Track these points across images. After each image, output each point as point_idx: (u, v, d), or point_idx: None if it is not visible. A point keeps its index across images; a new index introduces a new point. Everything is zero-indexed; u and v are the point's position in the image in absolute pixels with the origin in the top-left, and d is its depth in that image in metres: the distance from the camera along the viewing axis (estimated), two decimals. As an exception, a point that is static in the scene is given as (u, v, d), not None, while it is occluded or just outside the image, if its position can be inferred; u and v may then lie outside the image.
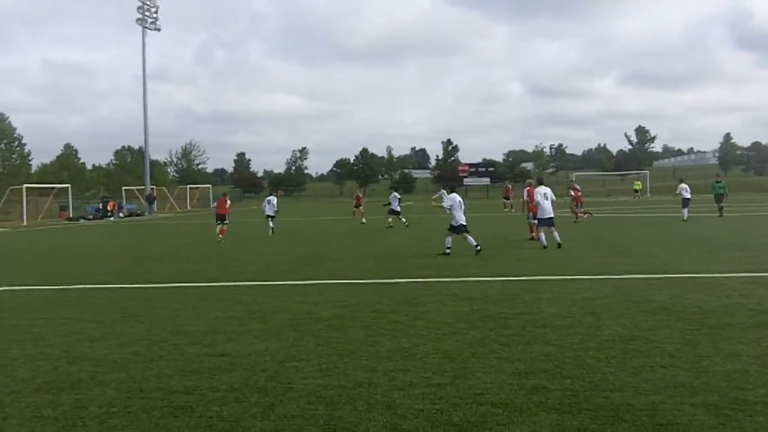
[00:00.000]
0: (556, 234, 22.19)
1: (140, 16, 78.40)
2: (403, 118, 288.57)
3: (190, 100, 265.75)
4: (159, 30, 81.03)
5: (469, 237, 21.01)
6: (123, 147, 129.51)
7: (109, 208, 65.69)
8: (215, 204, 35.40)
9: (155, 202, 77.01)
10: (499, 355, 8.23)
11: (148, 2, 79.01)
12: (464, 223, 21.21)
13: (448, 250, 20.79)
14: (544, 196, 22.69)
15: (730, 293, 12.32)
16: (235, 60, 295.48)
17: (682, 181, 38.31)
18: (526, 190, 25.84)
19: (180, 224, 49.07)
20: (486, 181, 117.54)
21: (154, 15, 79.97)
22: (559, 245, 21.69)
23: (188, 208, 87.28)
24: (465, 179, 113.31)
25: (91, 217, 63.87)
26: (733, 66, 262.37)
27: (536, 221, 23.28)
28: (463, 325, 10.11)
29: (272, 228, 33.61)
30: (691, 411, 6.09)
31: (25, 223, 56.40)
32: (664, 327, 9.60)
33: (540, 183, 23.96)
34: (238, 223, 41.47)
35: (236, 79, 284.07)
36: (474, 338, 9.21)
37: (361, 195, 46.12)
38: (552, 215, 22.38)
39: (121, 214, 66.91)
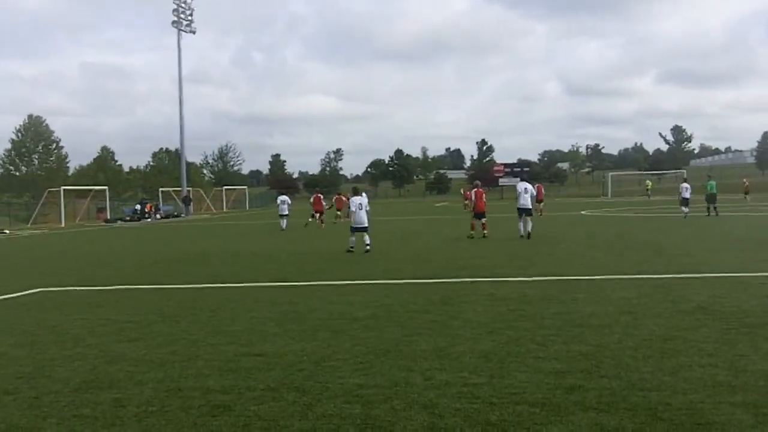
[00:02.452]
0: (530, 225, 26.54)
1: (175, 18, 79.08)
2: (439, 119, 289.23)
3: (227, 102, 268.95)
4: (194, 33, 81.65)
5: (366, 236, 23.11)
6: (160, 149, 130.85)
7: (146, 210, 66.36)
8: (312, 200, 41.56)
9: (191, 203, 77.59)
10: (535, 355, 8.20)
11: (183, 5, 79.65)
12: (365, 225, 23.28)
13: (351, 248, 23.10)
14: (524, 190, 27.36)
15: (769, 292, 12.18)
16: (272, 62, 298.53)
17: (685, 180, 40.83)
18: (473, 191, 28.33)
19: (216, 226, 49.35)
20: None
21: (190, 17, 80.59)
22: (529, 235, 25.93)
23: (224, 209, 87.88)
24: (500, 179, 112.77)
25: (128, 218, 64.50)
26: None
27: (476, 219, 27.65)
28: (499, 324, 10.08)
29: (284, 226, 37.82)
30: (730, 410, 6.03)
31: (63, 225, 57.08)
32: (702, 326, 9.51)
33: (522, 180, 29.14)
34: (272, 224, 41.65)
35: (272, 81, 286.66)
36: (510, 338, 9.18)
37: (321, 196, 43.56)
38: (529, 206, 27.09)
39: (157, 216, 67.49)
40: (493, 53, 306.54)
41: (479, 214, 27.67)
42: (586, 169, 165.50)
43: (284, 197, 41.16)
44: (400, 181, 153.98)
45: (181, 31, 79.83)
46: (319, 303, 12.69)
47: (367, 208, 23.73)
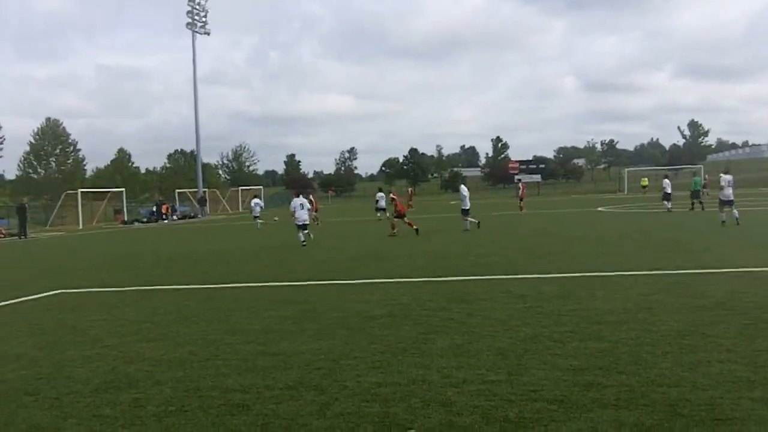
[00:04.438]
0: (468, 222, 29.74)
1: (190, 20, 79.41)
2: (454, 117, 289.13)
3: (243, 103, 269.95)
4: (209, 34, 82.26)
5: (302, 233, 26.73)
6: (175, 150, 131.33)
7: (163, 212, 66.68)
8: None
9: (207, 204, 77.82)
10: (553, 352, 8.18)
11: (197, 7, 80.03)
12: (307, 222, 27.40)
13: (304, 243, 26.36)
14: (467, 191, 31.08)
15: (788, 287, 12.11)
16: (287, 61, 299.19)
17: (666, 177, 43.95)
18: (400, 193, 32.55)
19: (232, 226, 49.52)
20: (537, 178, 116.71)
21: (204, 19, 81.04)
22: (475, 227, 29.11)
23: (240, 210, 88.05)
24: (516, 176, 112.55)
25: (145, 220, 64.89)
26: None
27: (397, 218, 30.05)
28: (516, 322, 10.07)
29: (260, 224, 42.20)
30: (750, 405, 6.00)
31: (80, 227, 57.44)
32: (721, 322, 9.46)
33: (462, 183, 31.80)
34: (288, 224, 41.78)
35: (288, 81, 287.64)
36: (527, 335, 9.17)
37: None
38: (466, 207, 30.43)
39: (174, 217, 67.81)
40: (508, 50, 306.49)
41: (401, 215, 30.12)
42: (602, 165, 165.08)
43: (257, 200, 46.43)
44: (414, 179, 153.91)
45: (195, 33, 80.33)
46: (335, 302, 12.71)
47: (308, 207, 28.15)
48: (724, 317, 9.76)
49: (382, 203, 43.91)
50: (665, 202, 40.07)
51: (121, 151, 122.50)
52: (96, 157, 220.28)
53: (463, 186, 31.59)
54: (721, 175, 28.53)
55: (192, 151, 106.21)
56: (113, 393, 7.34)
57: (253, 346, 9.22)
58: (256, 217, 44.09)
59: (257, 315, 11.68)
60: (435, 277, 15.58)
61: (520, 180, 49.45)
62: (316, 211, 43.36)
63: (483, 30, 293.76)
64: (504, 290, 13.10)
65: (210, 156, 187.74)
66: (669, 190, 40.44)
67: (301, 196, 28.85)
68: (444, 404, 6.39)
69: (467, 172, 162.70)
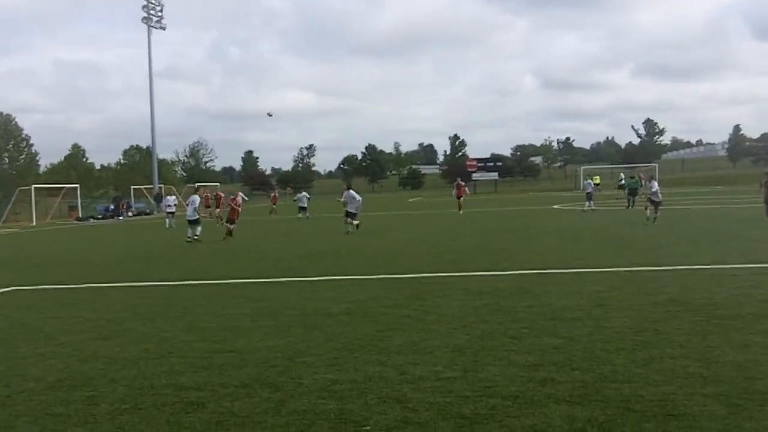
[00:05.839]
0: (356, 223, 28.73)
1: (145, 14, 78.68)
2: (414, 114, 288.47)
3: (201, 98, 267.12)
4: (164, 29, 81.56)
5: (191, 230, 28.77)
6: (131, 146, 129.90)
7: (120, 208, 66.09)
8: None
9: (163, 200, 77.11)
10: (508, 348, 8.23)
11: (153, 1, 79.26)
12: (195, 218, 29.02)
13: (189, 239, 28.57)
14: (356, 193, 29.51)
15: (739, 284, 12.29)
16: (247, 57, 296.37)
17: (589, 177, 47.92)
18: (231, 197, 32.27)
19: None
20: (494, 176, 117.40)
21: (160, 14, 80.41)
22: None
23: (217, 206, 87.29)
24: (473, 174, 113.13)
25: (100, 216, 64.14)
26: (747, 57, 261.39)
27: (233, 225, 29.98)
28: (472, 319, 10.12)
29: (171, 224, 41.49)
30: (702, 401, 6.09)
31: (34, 224, 56.63)
32: (674, 318, 9.60)
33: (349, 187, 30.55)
34: (243, 221, 41.55)
35: (247, 77, 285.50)
36: (484, 332, 9.22)
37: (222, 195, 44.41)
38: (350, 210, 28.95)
39: (129, 213, 67.17)
40: (469, 47, 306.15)
41: (231, 220, 30.02)
42: (559, 164, 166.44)
43: (171, 197, 46.23)
44: (373, 176, 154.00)
45: (151, 27, 79.52)
46: (293, 299, 12.67)
47: (195, 206, 29.39)
48: (677, 314, 9.90)
49: (305, 202, 45.00)
50: (587, 202, 41.66)
51: (75, 146, 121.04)
52: (51, 153, 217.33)
53: (353, 191, 30.72)
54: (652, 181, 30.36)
55: (148, 147, 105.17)
56: (67, 391, 7.24)
57: (209, 344, 9.16)
58: (171, 213, 43.11)
59: (213, 312, 11.59)
60: (392, 274, 15.59)
61: (458, 179, 49.18)
62: (219, 208, 41.04)
63: (444, 27, 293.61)
64: (461, 287, 13.15)
65: (169, 152, 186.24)
66: (590, 190, 42.45)
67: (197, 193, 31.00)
68: (400, 401, 6.39)
69: (425, 169, 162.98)
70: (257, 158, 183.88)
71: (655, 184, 29.58)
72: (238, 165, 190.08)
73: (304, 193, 46.20)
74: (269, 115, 44.02)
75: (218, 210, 39.36)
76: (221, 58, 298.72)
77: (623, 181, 58.37)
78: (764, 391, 6.28)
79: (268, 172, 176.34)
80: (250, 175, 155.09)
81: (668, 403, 6.05)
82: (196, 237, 28.65)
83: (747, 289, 11.78)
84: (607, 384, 6.66)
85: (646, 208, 29.13)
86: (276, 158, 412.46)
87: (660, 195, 28.95)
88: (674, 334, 8.68)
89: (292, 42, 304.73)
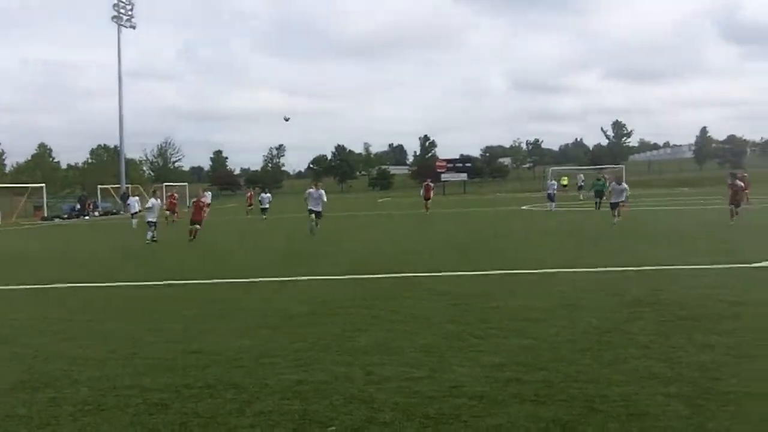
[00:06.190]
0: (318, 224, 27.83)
1: (115, 13, 78.06)
2: (384, 115, 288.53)
3: (173, 98, 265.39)
4: (134, 27, 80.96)
5: (151, 231, 28.65)
6: (98, 145, 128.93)
7: (86, 207, 65.52)
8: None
9: (131, 199, 76.45)
10: (475, 349, 8.24)
11: (123, 0, 78.65)
12: (153, 220, 29.30)
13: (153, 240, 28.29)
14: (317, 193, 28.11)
15: (704, 284, 12.41)
16: (218, 57, 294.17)
17: (551, 179, 48.63)
18: (193, 200, 33.06)
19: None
20: (464, 176, 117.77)
21: (130, 12, 79.82)
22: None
23: (164, 206, 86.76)
24: (442, 175, 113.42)
25: (65, 216, 63.53)
26: (716, 60, 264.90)
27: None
28: (439, 319, 10.12)
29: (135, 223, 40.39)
30: (665, 401, 6.13)
31: (-1, 223, 55.98)
32: (639, 319, 9.66)
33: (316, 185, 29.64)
34: (210, 221, 41.35)
35: (218, 77, 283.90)
36: (451, 332, 9.22)
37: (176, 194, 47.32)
38: (320, 209, 28.00)
39: (96, 213, 66.61)
40: (441, 49, 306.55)
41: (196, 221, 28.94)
42: (528, 165, 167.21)
43: (134, 198, 46.13)
44: (342, 176, 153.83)
45: (121, 26, 78.92)
46: (258, 300, 12.61)
47: (153, 208, 29.76)
48: (642, 314, 9.97)
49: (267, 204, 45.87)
50: (549, 203, 43.28)
51: (41, 146, 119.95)
52: (18, 152, 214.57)
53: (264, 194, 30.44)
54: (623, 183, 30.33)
55: (116, 147, 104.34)
56: (29, 392, 7.14)
57: (174, 345, 9.07)
58: (134, 214, 42.66)
59: (178, 313, 11.49)
60: (360, 274, 15.56)
61: (427, 180, 49.60)
62: (172, 210, 43.37)
63: (417, 29, 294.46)
64: (428, 288, 13.15)
65: (137, 152, 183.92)
66: (551, 192, 44.32)
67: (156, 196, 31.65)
68: (365, 401, 6.37)
69: (395, 170, 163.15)
70: (226, 158, 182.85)
71: (625, 186, 29.57)
72: (207, 165, 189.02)
73: (267, 194, 46.08)
74: (286, 119, 43.22)
75: (169, 211, 41.74)
76: (193, 58, 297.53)
77: (582, 183, 59.63)
78: (726, 392, 6.34)
79: (237, 171, 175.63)
80: (218, 174, 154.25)
81: (631, 403, 6.09)
82: (154, 239, 28.37)
83: (711, 289, 11.89)
84: (572, 384, 6.69)
85: (616, 215, 28.75)
86: (246, 158, 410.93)
87: (624, 195, 29.02)
88: (639, 334, 8.74)
89: (265, 42, 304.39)
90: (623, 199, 28.29)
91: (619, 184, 29.61)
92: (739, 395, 6.24)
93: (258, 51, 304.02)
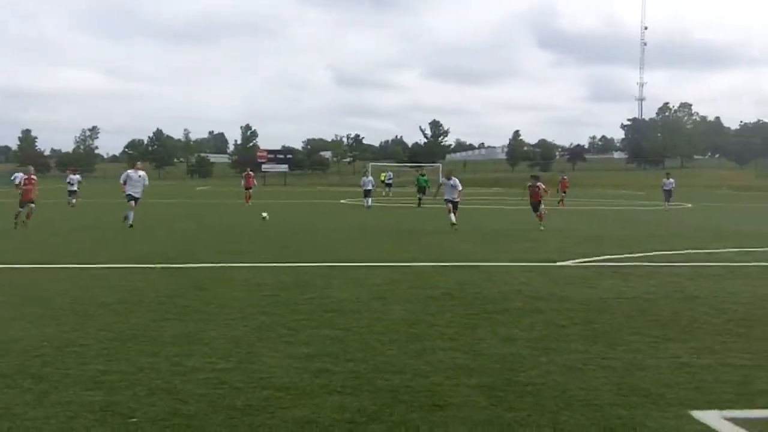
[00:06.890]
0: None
1: None
2: (205, 101, 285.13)
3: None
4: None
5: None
6: None
7: None
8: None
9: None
10: (286, 340, 8.24)
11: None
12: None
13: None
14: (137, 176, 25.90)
15: (509, 281, 12.95)
16: (29, 31, 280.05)
17: (369, 175, 49.65)
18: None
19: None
20: (284, 168, 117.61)
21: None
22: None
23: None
24: (263, 165, 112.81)
25: None
26: (531, 66, 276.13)
27: None
28: (252, 310, 10.05)
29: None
30: (467, 392, 6.34)
31: None
32: (447, 312, 9.96)
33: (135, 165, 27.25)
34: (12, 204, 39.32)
35: (29, 54, 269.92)
36: (262, 323, 9.18)
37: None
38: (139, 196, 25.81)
39: None
40: (267, 38, 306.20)
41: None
42: (348, 159, 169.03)
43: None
44: (160, 162, 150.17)
45: None
46: (65, 286, 12.07)
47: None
48: (450, 307, 10.30)
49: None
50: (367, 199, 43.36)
51: None
52: None
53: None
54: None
55: None
56: None
57: (-33, 333, 8.58)
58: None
59: (-24, 299, 10.87)
60: (174, 263, 15.21)
61: (247, 169, 49.66)
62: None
63: (243, 16, 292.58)
64: (243, 278, 13.04)
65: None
66: (370, 187, 43.82)
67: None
68: (170, 392, 6.24)
69: (215, 158, 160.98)
70: (35, 138, 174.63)
71: (456, 181, 27.45)
72: (14, 145, 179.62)
73: (76, 176, 43.87)
74: (264, 218, 39.69)
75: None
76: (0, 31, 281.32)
77: (391, 180, 60.96)
78: (525, 383, 6.62)
79: (47, 153, 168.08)
80: (27, 155, 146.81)
81: (435, 394, 6.26)
82: None
83: (516, 285, 12.43)
84: (379, 375, 6.81)
85: (449, 212, 25.98)
86: (58, 139, 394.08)
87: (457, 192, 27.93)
88: (446, 326, 9.02)
89: (80, 19, 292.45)
90: (455, 196, 26.93)
91: (449, 179, 27.39)
92: (537, 387, 6.53)
93: (72, 27, 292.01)
